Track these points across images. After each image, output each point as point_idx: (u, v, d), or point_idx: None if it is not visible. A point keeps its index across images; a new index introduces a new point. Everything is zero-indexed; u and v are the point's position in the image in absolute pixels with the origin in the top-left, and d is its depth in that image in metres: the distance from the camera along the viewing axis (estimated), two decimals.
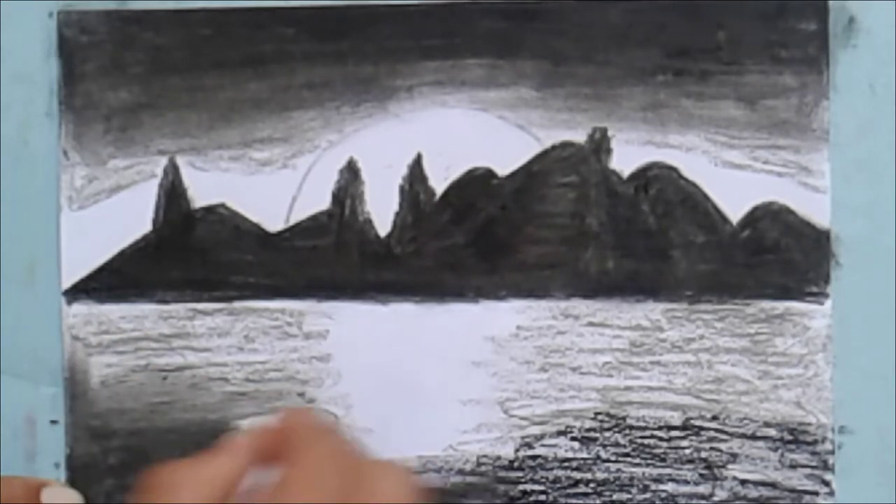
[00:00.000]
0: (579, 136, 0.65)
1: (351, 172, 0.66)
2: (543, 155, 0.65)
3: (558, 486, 0.64)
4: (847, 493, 0.64)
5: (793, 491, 0.64)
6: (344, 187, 0.66)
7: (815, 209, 0.64)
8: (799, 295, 0.64)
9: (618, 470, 0.64)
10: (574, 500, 0.64)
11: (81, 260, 0.66)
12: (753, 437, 0.64)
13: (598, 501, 0.64)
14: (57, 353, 0.66)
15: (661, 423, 0.64)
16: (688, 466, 0.64)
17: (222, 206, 0.66)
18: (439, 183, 0.66)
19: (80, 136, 0.66)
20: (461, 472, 0.65)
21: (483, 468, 0.65)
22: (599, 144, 0.65)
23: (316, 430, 0.46)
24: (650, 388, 0.64)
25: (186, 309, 0.66)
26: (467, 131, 0.65)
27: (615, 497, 0.64)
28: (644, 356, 0.64)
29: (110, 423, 0.66)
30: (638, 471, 0.64)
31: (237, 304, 0.66)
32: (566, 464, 0.64)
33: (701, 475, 0.64)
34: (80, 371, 0.66)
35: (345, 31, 0.66)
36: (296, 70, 0.66)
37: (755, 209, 0.64)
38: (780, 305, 0.64)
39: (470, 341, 0.65)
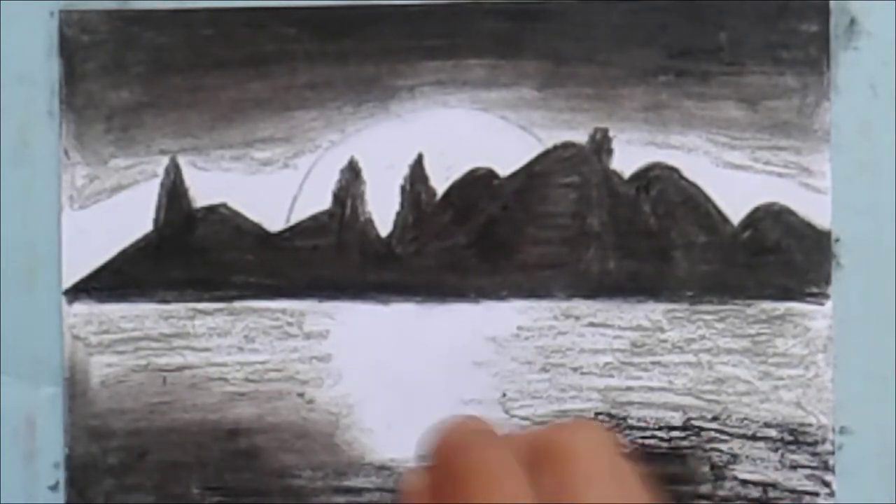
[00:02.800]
0: (581, 137, 0.65)
1: (352, 172, 0.66)
2: (545, 155, 0.65)
3: None
4: (847, 494, 0.64)
5: (793, 491, 0.64)
6: (345, 187, 0.66)
7: (816, 210, 0.64)
8: (800, 296, 0.64)
9: None
10: None
11: (82, 259, 0.66)
12: (754, 438, 0.64)
13: None
14: (57, 352, 0.66)
15: (662, 424, 0.64)
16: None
17: (223, 205, 0.66)
18: (440, 183, 0.66)
19: (81, 136, 0.66)
20: None
21: None
22: (601, 145, 0.65)
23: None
24: (651, 389, 0.64)
25: (187, 309, 0.66)
26: (469, 131, 0.65)
27: None
28: (645, 356, 0.64)
29: (110, 423, 0.66)
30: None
31: (237, 304, 0.66)
32: None
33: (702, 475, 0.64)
34: (80, 371, 0.66)
35: (346, 31, 0.66)
36: (297, 70, 0.66)
37: (756, 210, 0.64)
38: (781, 306, 0.64)
39: (471, 341, 0.65)
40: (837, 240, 0.64)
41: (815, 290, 0.64)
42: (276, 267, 0.66)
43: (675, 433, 0.64)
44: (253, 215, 0.66)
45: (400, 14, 0.66)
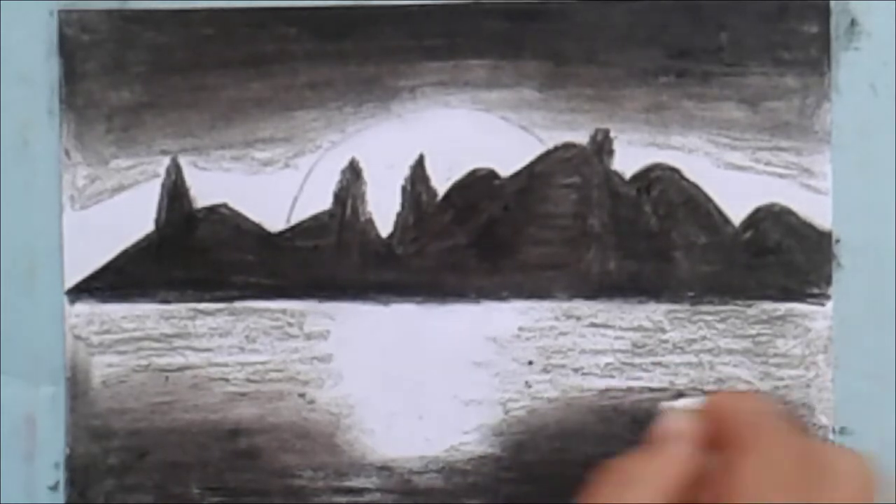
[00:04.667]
0: (582, 137, 0.65)
1: (353, 172, 0.66)
2: (546, 156, 0.65)
3: None
4: None
5: None
6: (346, 187, 0.66)
7: (816, 211, 0.64)
8: (800, 296, 0.64)
9: None
10: None
11: (83, 259, 0.66)
12: None
13: None
14: (58, 352, 0.66)
15: None
16: None
17: (224, 205, 0.66)
18: (441, 183, 0.66)
19: (82, 136, 0.66)
20: (463, 472, 0.65)
21: (484, 468, 0.65)
22: (602, 145, 0.65)
23: (763, 415, 0.44)
24: (652, 390, 0.64)
25: (188, 309, 0.66)
26: (470, 132, 0.65)
27: None
28: (646, 357, 0.64)
29: (111, 423, 0.66)
30: None
31: (238, 305, 0.66)
32: None
33: None
34: (82, 371, 0.66)
35: (347, 32, 0.66)
36: (298, 70, 0.66)
37: (757, 210, 0.64)
38: (782, 307, 0.64)
39: (471, 342, 0.65)
40: (838, 241, 0.64)
41: (815, 290, 0.64)
42: (277, 267, 0.66)
43: None
44: (253, 215, 0.66)
45: (400, 14, 0.66)
